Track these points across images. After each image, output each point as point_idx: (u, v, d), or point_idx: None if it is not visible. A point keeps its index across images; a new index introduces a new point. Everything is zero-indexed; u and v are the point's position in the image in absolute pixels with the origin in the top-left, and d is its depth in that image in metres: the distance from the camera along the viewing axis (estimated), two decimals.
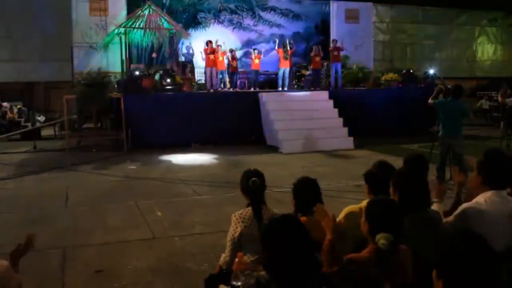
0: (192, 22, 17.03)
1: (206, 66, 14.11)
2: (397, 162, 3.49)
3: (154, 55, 14.75)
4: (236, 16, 17.64)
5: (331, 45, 15.22)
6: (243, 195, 3.10)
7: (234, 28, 17.64)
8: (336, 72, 14.87)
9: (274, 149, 11.96)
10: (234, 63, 14.91)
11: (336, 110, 13.20)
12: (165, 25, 14.04)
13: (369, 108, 13.89)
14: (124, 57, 14.01)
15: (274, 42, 15.98)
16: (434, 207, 2.94)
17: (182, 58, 15.84)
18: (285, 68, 14.76)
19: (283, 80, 14.79)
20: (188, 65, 15.19)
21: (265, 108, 13.03)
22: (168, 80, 12.92)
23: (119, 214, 6.41)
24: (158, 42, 14.33)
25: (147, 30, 13.69)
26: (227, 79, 14.93)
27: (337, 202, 5.54)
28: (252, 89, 14.74)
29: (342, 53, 15.28)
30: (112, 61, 14.59)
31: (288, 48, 14.74)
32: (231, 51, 15.09)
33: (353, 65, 16.65)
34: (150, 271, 4.42)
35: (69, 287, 4.20)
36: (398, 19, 21.22)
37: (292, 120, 12.40)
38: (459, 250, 1.53)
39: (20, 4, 16.77)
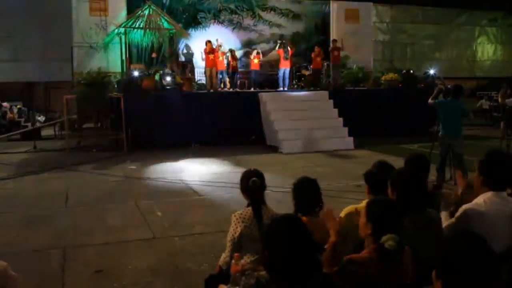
0: (192, 22, 17.02)
1: (206, 66, 14.12)
2: (397, 162, 3.49)
3: (154, 55, 14.74)
4: (236, 16, 17.63)
5: (331, 45, 15.22)
6: (243, 195, 3.10)
7: (234, 28, 17.63)
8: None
9: (274, 149, 11.96)
10: (234, 63, 14.93)
11: (336, 110, 13.20)
12: (165, 25, 14.04)
13: (369, 108, 13.88)
14: (124, 57, 14.01)
15: (275, 42, 16.00)
16: (443, 216, 2.89)
17: (182, 58, 15.84)
18: (285, 68, 14.76)
19: (283, 80, 14.79)
20: (188, 65, 15.20)
21: (265, 108, 13.03)
22: (168, 80, 12.92)
23: (119, 214, 6.41)
24: (158, 42, 14.33)
25: (147, 30, 13.69)
26: (227, 79, 14.94)
27: (337, 202, 5.54)
28: (252, 89, 14.74)
29: (342, 53, 15.29)
30: (112, 61, 14.58)
31: (288, 48, 14.75)
32: (231, 51, 15.10)
33: (353, 65, 16.65)
34: (150, 271, 4.42)
35: (69, 287, 4.19)
36: (398, 19, 21.22)
37: (292, 120, 12.40)
38: (458, 251, 1.54)
39: (20, 4, 16.77)
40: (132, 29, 13.84)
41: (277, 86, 15.04)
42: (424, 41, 21.94)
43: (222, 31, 17.10)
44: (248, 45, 17.37)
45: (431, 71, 16.12)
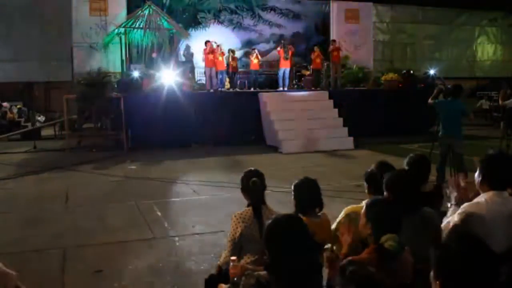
0: (192, 22, 17.03)
1: (206, 66, 14.12)
2: (397, 162, 3.49)
3: (154, 55, 14.74)
4: (236, 16, 17.63)
5: (331, 45, 15.22)
6: (243, 195, 3.10)
7: (234, 28, 17.64)
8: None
9: (274, 149, 11.96)
10: (234, 63, 14.92)
11: (336, 110, 13.20)
12: (165, 25, 14.03)
13: (369, 108, 13.88)
14: (124, 57, 14.01)
15: (275, 42, 15.99)
16: (451, 212, 2.89)
17: (182, 58, 15.84)
18: (285, 68, 14.76)
19: (283, 80, 14.79)
20: (188, 65, 15.19)
21: (265, 108, 13.03)
22: (168, 80, 12.91)
23: (119, 214, 6.41)
24: (158, 42, 14.33)
25: (147, 30, 13.68)
26: (227, 79, 14.93)
27: (337, 202, 5.54)
28: (252, 89, 14.74)
29: (342, 53, 15.28)
30: (112, 61, 14.59)
31: (288, 48, 14.75)
32: (231, 51, 15.10)
33: (353, 65, 16.64)
34: (150, 271, 4.42)
35: (69, 287, 4.19)
36: (398, 19, 21.21)
37: (292, 120, 12.40)
38: (457, 251, 1.54)
39: (20, 4, 16.76)
40: (132, 29, 13.84)
41: (277, 86, 15.04)
42: (424, 41, 21.93)
43: (222, 31, 17.11)
44: (248, 45, 17.36)
45: (431, 71, 16.11)
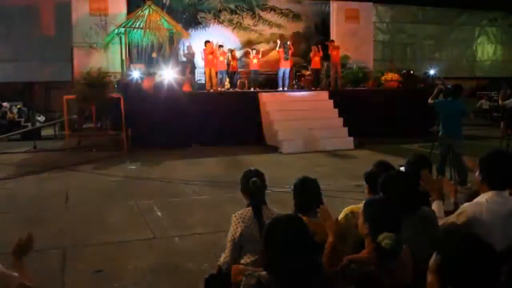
0: (192, 22, 17.03)
1: (205, 66, 14.12)
2: (397, 162, 3.50)
3: (154, 55, 14.74)
4: (236, 16, 17.63)
5: (329, 46, 15.19)
6: (243, 195, 3.10)
7: (234, 28, 17.64)
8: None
9: (274, 149, 11.96)
10: (233, 63, 14.92)
11: (336, 110, 13.20)
12: (165, 25, 14.03)
13: (369, 108, 13.87)
14: (124, 57, 14.01)
15: (275, 42, 15.98)
16: (434, 206, 2.93)
17: (182, 58, 15.84)
18: (285, 68, 14.76)
19: (283, 80, 14.79)
20: (188, 65, 15.19)
21: (265, 108, 13.03)
22: (168, 80, 12.92)
23: (119, 214, 6.41)
24: (158, 42, 14.33)
25: (147, 30, 13.68)
26: (227, 79, 14.93)
27: (337, 202, 5.55)
28: (252, 89, 14.74)
29: (342, 53, 15.27)
30: (112, 61, 14.58)
31: (288, 48, 14.75)
32: (231, 51, 15.09)
33: (353, 65, 16.64)
34: (150, 271, 4.42)
35: (69, 287, 4.20)
36: (398, 19, 21.22)
37: (292, 120, 12.39)
38: (458, 251, 1.54)
39: (20, 4, 16.76)
40: (132, 29, 13.84)
41: (277, 86, 15.04)
42: (424, 41, 21.95)
43: (222, 31, 17.11)
44: (248, 45, 17.36)
45: (431, 71, 16.12)
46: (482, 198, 2.61)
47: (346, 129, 12.54)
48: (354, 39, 17.36)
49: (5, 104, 16.34)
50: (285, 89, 14.77)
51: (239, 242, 2.90)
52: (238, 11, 17.65)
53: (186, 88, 13.53)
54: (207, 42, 14.03)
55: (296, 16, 18.42)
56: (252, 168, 3.16)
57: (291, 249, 1.88)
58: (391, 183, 2.72)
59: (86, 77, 12.88)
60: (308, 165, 9.81)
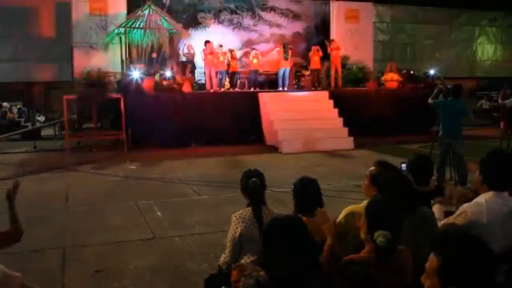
0: (192, 22, 17.02)
1: (205, 66, 14.12)
2: (397, 162, 3.49)
3: (154, 55, 14.74)
4: (236, 16, 17.62)
5: (329, 46, 15.19)
6: (243, 195, 3.10)
7: (234, 28, 17.62)
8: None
9: (274, 149, 11.96)
10: (234, 63, 14.91)
11: (336, 110, 13.20)
12: (165, 25, 14.03)
13: (369, 108, 13.88)
14: (124, 57, 14.01)
15: (275, 42, 15.98)
16: (435, 208, 2.93)
17: (183, 58, 15.84)
18: (285, 68, 14.76)
19: (283, 80, 14.79)
20: (188, 65, 15.19)
21: (265, 108, 13.03)
22: (168, 80, 12.92)
23: (119, 214, 6.41)
24: (158, 42, 14.33)
25: (147, 30, 13.69)
26: (227, 79, 14.93)
27: (337, 202, 5.55)
28: (252, 89, 14.74)
29: (342, 53, 15.26)
30: (112, 61, 14.58)
31: (288, 48, 14.75)
32: (231, 51, 15.09)
33: (353, 65, 16.63)
34: (150, 271, 4.42)
35: (69, 287, 4.20)
36: (398, 19, 21.21)
37: (292, 120, 12.39)
38: (455, 251, 1.54)
39: (20, 4, 16.76)
40: (132, 29, 13.84)
41: (277, 86, 15.04)
42: (424, 41, 21.93)
43: (222, 31, 17.09)
44: (248, 45, 17.36)
45: (431, 71, 16.10)
46: (482, 198, 2.61)
47: (346, 129, 12.54)
48: (354, 39, 17.34)
49: (5, 104, 16.33)
50: (285, 89, 14.76)
51: (239, 242, 2.90)
52: (238, 11, 17.63)
53: (186, 88, 13.53)
54: (207, 42, 14.03)
55: (296, 16, 18.40)
56: (252, 168, 3.16)
57: (291, 249, 1.88)
58: (390, 184, 2.72)
59: (86, 77, 12.88)
60: (308, 165, 9.81)
